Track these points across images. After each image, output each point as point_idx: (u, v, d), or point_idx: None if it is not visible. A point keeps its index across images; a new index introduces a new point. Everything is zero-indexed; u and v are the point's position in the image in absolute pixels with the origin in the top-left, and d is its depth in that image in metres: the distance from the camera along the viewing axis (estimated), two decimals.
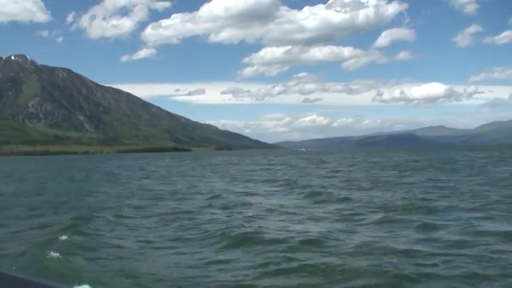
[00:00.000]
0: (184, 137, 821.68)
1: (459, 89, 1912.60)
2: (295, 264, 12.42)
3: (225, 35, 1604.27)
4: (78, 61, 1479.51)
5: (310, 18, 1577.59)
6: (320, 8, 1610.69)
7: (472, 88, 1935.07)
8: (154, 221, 20.62)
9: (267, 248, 14.34)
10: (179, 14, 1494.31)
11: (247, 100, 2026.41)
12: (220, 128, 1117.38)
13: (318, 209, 23.51)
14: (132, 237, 16.96)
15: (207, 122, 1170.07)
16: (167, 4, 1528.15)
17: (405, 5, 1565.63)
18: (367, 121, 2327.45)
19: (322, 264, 12.30)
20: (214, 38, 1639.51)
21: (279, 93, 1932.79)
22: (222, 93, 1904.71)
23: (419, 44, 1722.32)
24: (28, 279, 1.88)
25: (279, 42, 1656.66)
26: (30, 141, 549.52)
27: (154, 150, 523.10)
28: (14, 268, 11.31)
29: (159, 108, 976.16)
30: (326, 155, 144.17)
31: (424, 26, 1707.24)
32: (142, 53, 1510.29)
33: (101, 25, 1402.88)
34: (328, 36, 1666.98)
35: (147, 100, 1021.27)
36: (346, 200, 26.28)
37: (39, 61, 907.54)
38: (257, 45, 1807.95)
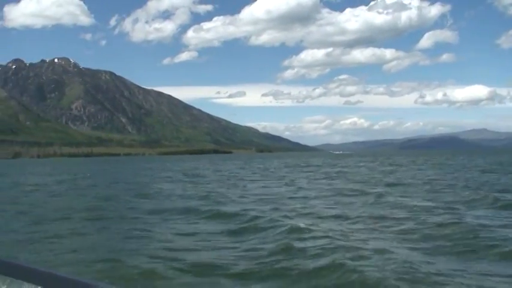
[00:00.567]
0: (224, 139, 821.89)
1: (502, 91, 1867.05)
2: None
3: (265, 38, 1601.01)
4: (120, 64, 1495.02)
5: (352, 20, 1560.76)
6: (362, 9, 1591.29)
7: None
8: None
9: None
10: (221, 17, 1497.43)
11: (287, 102, 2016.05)
12: (260, 130, 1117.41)
13: None
14: None
15: (248, 124, 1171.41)
16: (209, 7, 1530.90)
17: (448, 7, 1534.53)
18: (409, 124, 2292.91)
19: None
20: (255, 41, 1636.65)
21: (320, 95, 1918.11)
22: (263, 95, 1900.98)
23: (462, 45, 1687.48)
24: (53, 273, 1.90)
25: (319, 44, 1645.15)
26: (74, 143, 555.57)
27: (195, 153, 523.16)
28: None
29: (199, 110, 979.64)
30: (392, 158, 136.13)
31: (467, 27, 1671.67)
32: (184, 56, 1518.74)
33: (143, 28, 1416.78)
34: (369, 38, 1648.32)
35: (188, 102, 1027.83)
36: None
37: (82, 64, 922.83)
38: (298, 48, 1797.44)
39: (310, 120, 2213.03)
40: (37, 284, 2.06)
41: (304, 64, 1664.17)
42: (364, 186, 34.20)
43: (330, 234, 14.93)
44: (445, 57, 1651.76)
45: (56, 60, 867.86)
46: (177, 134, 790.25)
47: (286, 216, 19.09)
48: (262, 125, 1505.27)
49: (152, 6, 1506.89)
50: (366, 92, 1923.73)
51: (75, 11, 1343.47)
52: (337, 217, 19.57)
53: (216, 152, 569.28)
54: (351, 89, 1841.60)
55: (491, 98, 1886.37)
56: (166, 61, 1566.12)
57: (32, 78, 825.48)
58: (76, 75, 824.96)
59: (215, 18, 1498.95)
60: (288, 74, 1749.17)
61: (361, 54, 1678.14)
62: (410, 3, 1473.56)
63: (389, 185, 36.12)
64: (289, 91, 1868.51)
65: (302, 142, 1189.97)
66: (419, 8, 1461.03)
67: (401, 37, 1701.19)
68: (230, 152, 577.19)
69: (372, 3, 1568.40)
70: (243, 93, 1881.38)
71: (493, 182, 36.00)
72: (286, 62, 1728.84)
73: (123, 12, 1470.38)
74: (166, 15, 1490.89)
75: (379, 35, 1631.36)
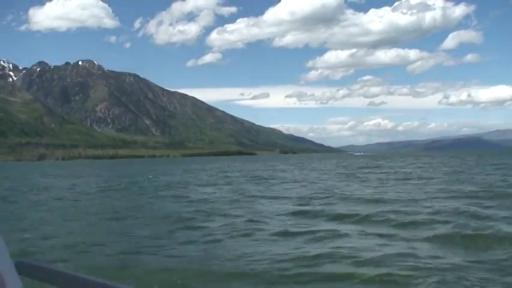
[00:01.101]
0: (248, 140, 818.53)
1: None
2: None
3: (289, 39, 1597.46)
4: (144, 66, 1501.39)
5: (376, 20, 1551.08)
6: (386, 10, 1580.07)
7: None
8: None
9: None
10: (244, 19, 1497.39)
11: (311, 104, 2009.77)
12: (284, 131, 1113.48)
13: None
14: None
15: (271, 125, 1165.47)
16: (233, 9, 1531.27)
17: (472, 7, 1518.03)
18: (433, 124, 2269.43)
19: None
20: (278, 42, 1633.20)
21: (344, 96, 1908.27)
22: (286, 97, 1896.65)
23: (486, 46, 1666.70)
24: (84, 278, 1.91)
25: (343, 45, 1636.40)
26: (98, 145, 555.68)
27: (219, 154, 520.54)
28: None
29: (223, 112, 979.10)
30: (433, 159, 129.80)
31: (491, 27, 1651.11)
32: (208, 58, 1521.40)
33: (167, 30, 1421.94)
34: (393, 39, 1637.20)
35: (211, 104, 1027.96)
36: None
37: (107, 66, 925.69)
38: (321, 49, 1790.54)
39: (334, 122, 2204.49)
40: (60, 286, 2.11)
41: (328, 65, 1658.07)
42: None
43: None
44: (469, 57, 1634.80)
45: (80, 62, 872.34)
46: (200, 135, 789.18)
47: None
48: (285, 126, 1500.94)
49: (176, 9, 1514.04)
50: (390, 93, 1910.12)
51: (100, 13, 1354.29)
52: None
53: (240, 153, 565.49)
54: (374, 90, 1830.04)
55: None
56: (190, 63, 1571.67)
57: (57, 80, 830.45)
58: (100, 78, 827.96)
59: (239, 20, 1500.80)
60: (312, 75, 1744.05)
61: (385, 55, 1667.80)
62: (434, 4, 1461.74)
63: None
64: (312, 92, 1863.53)
65: (326, 143, 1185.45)
66: (443, 9, 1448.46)
67: (426, 38, 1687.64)
68: (254, 154, 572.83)
69: (396, 3, 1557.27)
70: (267, 95, 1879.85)
71: None
72: (309, 63, 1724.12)
73: (148, 15, 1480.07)
74: (190, 17, 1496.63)
75: (403, 35, 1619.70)
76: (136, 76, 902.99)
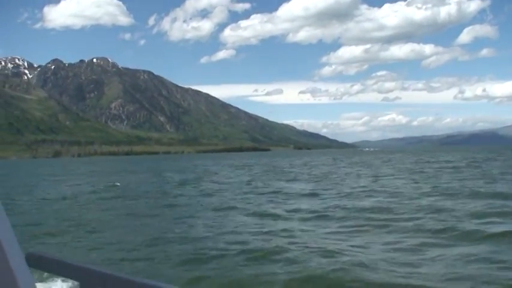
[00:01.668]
0: (262, 136, 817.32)
1: None
2: None
3: (303, 35, 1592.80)
4: (159, 63, 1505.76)
5: (391, 15, 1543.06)
6: (401, 5, 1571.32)
7: None
8: None
9: None
10: (258, 15, 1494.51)
11: (325, 100, 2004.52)
12: (298, 127, 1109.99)
13: None
14: None
15: (285, 121, 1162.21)
16: (247, 5, 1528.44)
17: (487, 2, 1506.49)
18: (448, 119, 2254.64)
19: None
20: (292, 38, 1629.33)
21: (358, 92, 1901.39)
22: (300, 92, 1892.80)
23: (502, 40, 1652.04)
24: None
25: (357, 41, 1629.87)
26: (114, 142, 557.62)
27: (233, 150, 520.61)
28: None
29: (237, 108, 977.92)
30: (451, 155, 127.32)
31: (507, 22, 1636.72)
32: (222, 54, 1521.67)
33: (181, 27, 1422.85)
34: (408, 33, 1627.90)
35: (225, 101, 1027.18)
36: None
37: (121, 64, 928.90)
38: (335, 45, 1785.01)
39: (348, 117, 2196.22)
40: (71, 278, 2.12)
41: (342, 61, 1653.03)
42: None
43: None
44: (484, 52, 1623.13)
45: (94, 60, 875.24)
46: (214, 132, 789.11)
47: None
48: (299, 122, 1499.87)
49: (190, 5, 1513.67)
50: (404, 88, 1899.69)
51: (114, 11, 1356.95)
52: None
53: (254, 149, 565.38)
54: (389, 85, 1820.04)
55: None
56: (204, 60, 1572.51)
57: (71, 78, 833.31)
58: (115, 75, 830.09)
59: (253, 16, 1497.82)
60: (326, 71, 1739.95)
61: (399, 50, 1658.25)
62: None
63: None
64: (326, 88, 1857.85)
65: (340, 139, 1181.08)
66: (458, 3, 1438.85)
67: (441, 32, 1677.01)
68: (268, 150, 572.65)
69: None
70: (280, 91, 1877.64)
71: None
72: (323, 59, 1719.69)
73: (162, 12, 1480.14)
74: (204, 13, 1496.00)
75: (418, 30, 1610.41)
76: (150, 73, 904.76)
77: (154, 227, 16.92)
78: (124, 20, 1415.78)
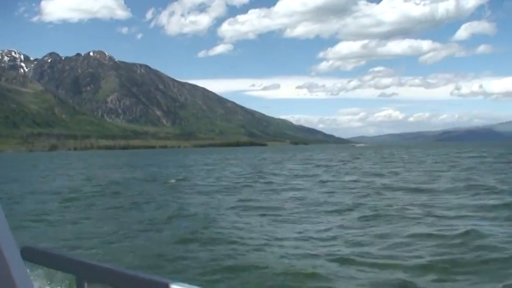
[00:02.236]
0: (258, 131, 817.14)
1: None
2: None
3: (301, 30, 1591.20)
4: (156, 57, 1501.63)
5: (389, 11, 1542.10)
6: (399, 1, 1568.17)
7: None
8: None
9: None
10: (256, 10, 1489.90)
11: (322, 95, 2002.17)
12: (294, 123, 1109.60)
13: None
14: None
15: (281, 116, 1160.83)
16: (245, 0, 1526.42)
17: None
18: (444, 116, 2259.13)
19: None
20: (290, 33, 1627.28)
21: (355, 87, 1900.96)
22: (297, 88, 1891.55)
23: (499, 37, 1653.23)
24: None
25: (355, 36, 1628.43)
26: (110, 136, 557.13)
27: (230, 145, 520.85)
28: None
29: (234, 103, 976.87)
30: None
31: (505, 19, 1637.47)
32: (219, 49, 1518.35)
33: (179, 21, 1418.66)
34: (406, 29, 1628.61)
35: (222, 95, 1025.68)
36: None
37: (118, 57, 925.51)
38: (333, 40, 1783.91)
39: (345, 113, 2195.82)
40: (67, 271, 2.12)
41: (339, 56, 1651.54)
42: None
43: None
44: (481, 48, 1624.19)
45: (91, 53, 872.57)
46: (211, 126, 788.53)
47: None
48: (296, 117, 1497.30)
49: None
50: (401, 84, 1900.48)
51: (112, 4, 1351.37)
52: None
53: (251, 144, 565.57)
54: (386, 81, 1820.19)
55: None
56: (201, 54, 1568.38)
57: (68, 71, 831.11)
58: (111, 69, 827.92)
59: (250, 11, 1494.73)
60: (323, 66, 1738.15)
61: (397, 46, 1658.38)
62: None
63: None
64: (323, 83, 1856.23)
65: (336, 134, 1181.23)
66: None
67: (438, 28, 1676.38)
68: (265, 145, 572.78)
69: None
70: (277, 86, 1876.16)
71: None
72: (321, 54, 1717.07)
73: (159, 6, 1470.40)
74: (202, 8, 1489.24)
75: (415, 26, 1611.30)
76: (147, 67, 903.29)
77: None
78: (121, 13, 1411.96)
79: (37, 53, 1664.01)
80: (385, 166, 55.71)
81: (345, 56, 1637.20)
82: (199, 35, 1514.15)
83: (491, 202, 21.58)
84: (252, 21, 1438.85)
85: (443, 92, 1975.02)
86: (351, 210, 20.65)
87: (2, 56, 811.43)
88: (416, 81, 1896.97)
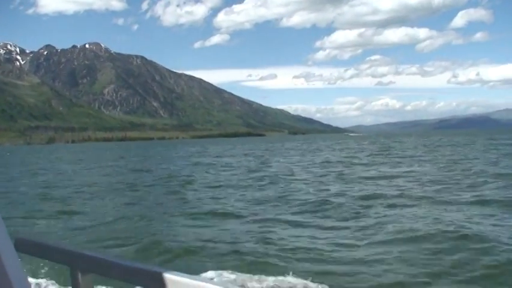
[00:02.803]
0: (256, 122, 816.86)
1: None
2: None
3: (297, 19, 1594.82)
4: (152, 48, 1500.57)
5: None
6: None
7: None
8: None
9: None
10: None
11: (319, 84, 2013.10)
12: (291, 112, 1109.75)
13: None
14: None
15: (279, 106, 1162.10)
16: None
17: None
18: (441, 104, 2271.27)
19: None
20: (286, 23, 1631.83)
21: (351, 76, 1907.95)
22: (294, 77, 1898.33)
23: (496, 24, 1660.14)
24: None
25: (351, 25, 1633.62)
26: (107, 128, 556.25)
27: (228, 136, 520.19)
28: None
29: (231, 93, 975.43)
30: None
31: (501, 5, 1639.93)
32: (215, 39, 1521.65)
33: (174, 12, 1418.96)
34: (403, 17, 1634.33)
35: (219, 86, 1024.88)
36: None
37: (114, 49, 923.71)
38: (329, 29, 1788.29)
39: (342, 102, 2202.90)
40: (61, 262, 2.10)
41: (336, 45, 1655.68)
42: None
43: None
44: (478, 36, 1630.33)
45: (87, 45, 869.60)
46: (208, 117, 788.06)
47: None
48: (293, 107, 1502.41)
49: None
50: (398, 73, 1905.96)
51: None
52: None
53: (249, 134, 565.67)
54: (383, 69, 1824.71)
55: None
56: (197, 44, 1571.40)
57: (64, 63, 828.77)
58: (107, 60, 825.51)
59: (246, 1, 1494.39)
60: (320, 55, 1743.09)
61: (393, 34, 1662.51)
62: None
63: None
64: (320, 73, 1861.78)
65: (334, 124, 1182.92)
66: None
67: (435, 16, 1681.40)
68: (263, 135, 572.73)
69: None
70: (274, 76, 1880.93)
71: None
72: (317, 44, 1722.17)
73: None
74: None
75: (412, 14, 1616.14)
76: (143, 58, 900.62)
77: None
78: (117, 4, 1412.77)
79: (33, 45, 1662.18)
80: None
81: (342, 44, 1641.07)
82: (195, 26, 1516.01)
83: None
84: (248, 11, 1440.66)
85: (440, 80, 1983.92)
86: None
87: None
88: (413, 69, 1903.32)
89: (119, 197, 23.10)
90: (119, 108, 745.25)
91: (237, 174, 33.32)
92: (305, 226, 14.16)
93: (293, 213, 16.66)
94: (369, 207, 16.99)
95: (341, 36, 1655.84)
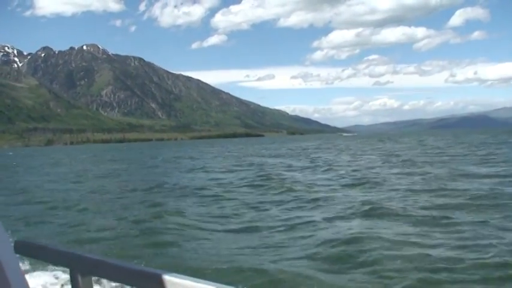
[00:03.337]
0: (254, 122, 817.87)
1: None
2: None
3: (294, 19, 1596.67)
4: (149, 49, 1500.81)
5: None
6: None
7: None
8: None
9: None
10: (249, 0, 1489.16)
11: (316, 84, 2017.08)
12: (289, 113, 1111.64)
13: None
14: None
15: (277, 107, 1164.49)
16: None
17: None
18: (439, 103, 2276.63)
19: None
20: (283, 23, 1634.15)
21: (349, 76, 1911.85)
22: (292, 78, 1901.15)
23: (494, 23, 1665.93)
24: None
25: (349, 24, 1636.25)
26: (105, 129, 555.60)
27: (227, 136, 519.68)
28: None
29: (228, 94, 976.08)
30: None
31: (499, 4, 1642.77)
32: (213, 40, 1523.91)
33: (172, 13, 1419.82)
34: (400, 17, 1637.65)
35: (216, 86, 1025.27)
36: None
37: (112, 50, 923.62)
38: (326, 29, 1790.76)
39: (339, 102, 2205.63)
40: (61, 265, 2.14)
41: (333, 45, 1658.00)
42: None
43: None
44: (476, 34, 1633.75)
45: (84, 47, 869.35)
46: (206, 118, 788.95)
47: None
48: (291, 107, 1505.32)
49: None
50: (396, 72, 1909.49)
51: None
52: None
53: (248, 135, 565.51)
54: (380, 69, 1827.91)
55: None
56: (195, 45, 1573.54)
57: (61, 65, 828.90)
58: (105, 62, 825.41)
59: (244, 1, 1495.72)
60: (317, 55, 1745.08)
61: (391, 34, 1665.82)
62: None
63: None
64: (318, 73, 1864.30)
65: (331, 124, 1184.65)
66: None
67: (432, 15, 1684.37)
68: (261, 135, 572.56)
69: None
70: (272, 76, 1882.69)
71: None
72: (315, 44, 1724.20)
73: None
74: None
75: (409, 13, 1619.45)
76: (141, 59, 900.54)
77: None
78: (115, 6, 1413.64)
79: (30, 47, 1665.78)
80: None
81: (339, 44, 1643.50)
82: (192, 26, 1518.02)
83: None
84: (246, 12, 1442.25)
85: (438, 79, 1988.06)
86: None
87: None
88: (411, 68, 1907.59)
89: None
90: (116, 109, 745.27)
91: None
92: None
93: None
94: None
95: (338, 36, 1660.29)
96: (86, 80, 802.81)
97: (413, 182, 23.99)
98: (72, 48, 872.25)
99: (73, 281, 2.01)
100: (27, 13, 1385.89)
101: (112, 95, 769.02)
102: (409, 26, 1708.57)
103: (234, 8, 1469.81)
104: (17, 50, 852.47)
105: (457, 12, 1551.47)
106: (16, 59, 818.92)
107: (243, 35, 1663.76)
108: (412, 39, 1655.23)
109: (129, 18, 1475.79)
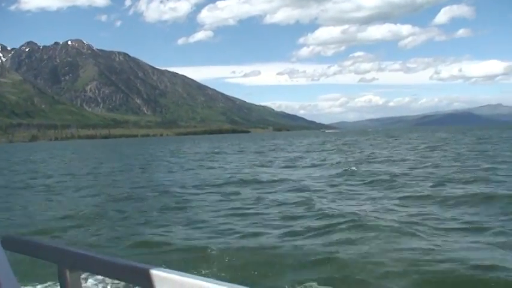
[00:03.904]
0: (240, 118, 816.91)
1: None
2: None
3: (280, 16, 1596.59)
4: (135, 45, 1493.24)
5: None
6: None
7: None
8: None
9: None
10: None
11: (302, 81, 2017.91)
12: (275, 109, 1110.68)
13: None
14: None
15: (263, 103, 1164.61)
16: None
17: None
18: (424, 100, 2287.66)
19: None
20: (270, 19, 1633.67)
21: (335, 73, 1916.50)
22: (278, 74, 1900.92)
23: (479, 20, 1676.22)
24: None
25: (335, 21, 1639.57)
26: (90, 125, 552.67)
27: (213, 133, 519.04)
28: None
29: (214, 90, 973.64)
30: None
31: (484, 2, 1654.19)
32: (199, 36, 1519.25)
33: (158, 8, 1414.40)
34: (386, 14, 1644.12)
35: (202, 82, 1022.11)
36: None
37: (97, 45, 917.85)
38: (313, 25, 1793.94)
39: (325, 98, 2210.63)
40: (48, 260, 2.10)
41: (319, 42, 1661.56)
42: None
43: None
44: (461, 32, 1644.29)
45: (69, 42, 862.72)
46: (192, 114, 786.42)
47: None
48: (277, 103, 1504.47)
49: None
50: (381, 69, 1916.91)
51: None
52: None
53: (234, 131, 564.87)
54: (366, 66, 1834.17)
55: (508, 72, 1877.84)
56: (180, 41, 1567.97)
57: (46, 61, 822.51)
58: (90, 57, 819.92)
59: None
60: (303, 52, 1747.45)
61: (377, 31, 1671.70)
62: None
63: None
64: (304, 69, 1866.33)
65: (317, 120, 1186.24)
66: None
67: (418, 12, 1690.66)
68: (248, 132, 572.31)
69: None
70: (258, 72, 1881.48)
71: None
72: (301, 40, 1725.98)
73: None
74: None
75: (395, 10, 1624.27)
76: (126, 55, 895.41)
77: None
78: (100, 1, 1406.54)
79: (14, 42, 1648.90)
80: None
81: (325, 41, 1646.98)
82: (178, 22, 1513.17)
83: None
84: (232, 7, 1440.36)
85: (422, 76, 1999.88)
86: None
87: None
88: (396, 66, 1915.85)
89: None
90: (101, 105, 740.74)
91: None
92: None
93: None
94: None
95: (324, 33, 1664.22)
96: (70, 75, 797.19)
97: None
98: (56, 43, 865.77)
99: (61, 275, 2.00)
100: (12, 7, 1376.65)
101: (97, 91, 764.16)
102: (395, 23, 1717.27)
103: (220, 3, 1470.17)
104: (1, 45, 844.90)
105: (443, 10, 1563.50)
106: (0, 54, 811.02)
107: (229, 31, 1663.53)
108: (397, 36, 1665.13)
109: (115, 13, 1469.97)
